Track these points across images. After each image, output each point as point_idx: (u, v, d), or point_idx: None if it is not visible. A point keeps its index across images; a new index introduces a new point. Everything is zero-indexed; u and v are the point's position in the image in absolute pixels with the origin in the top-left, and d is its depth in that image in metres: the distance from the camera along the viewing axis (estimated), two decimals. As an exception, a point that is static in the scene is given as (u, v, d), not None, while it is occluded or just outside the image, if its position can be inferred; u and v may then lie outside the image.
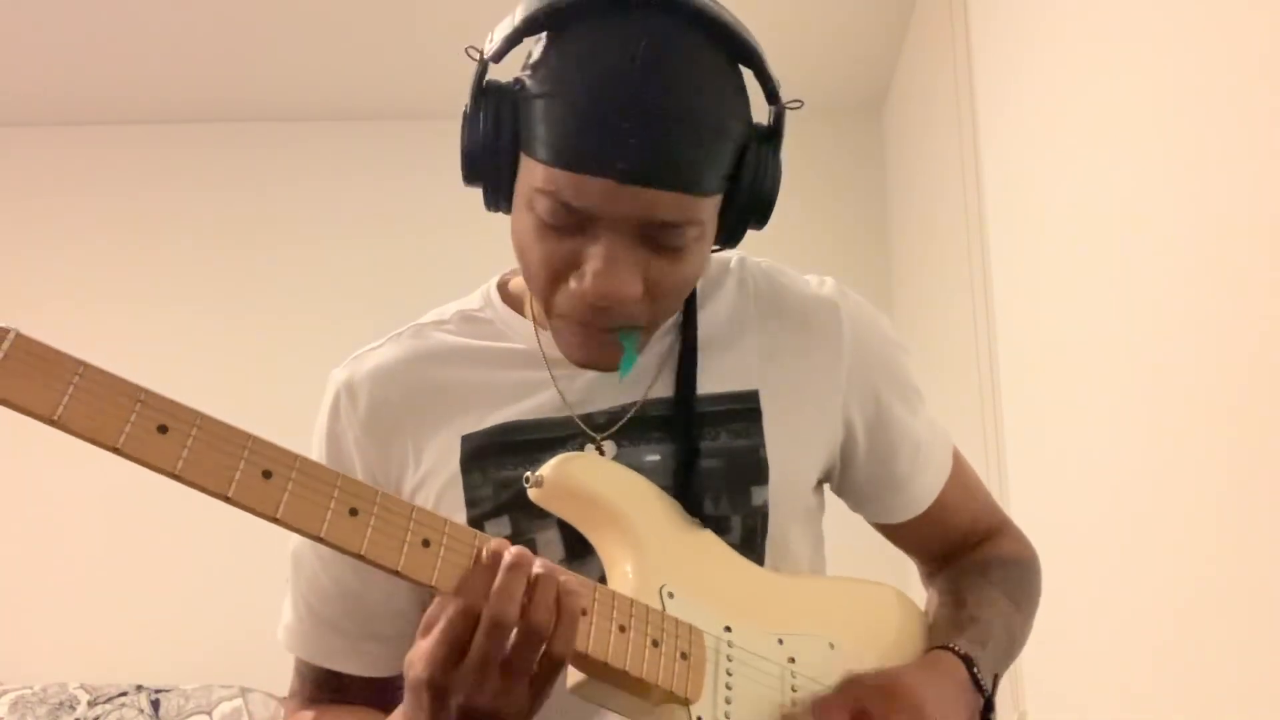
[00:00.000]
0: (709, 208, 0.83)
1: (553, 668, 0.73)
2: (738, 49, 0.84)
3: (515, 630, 0.70)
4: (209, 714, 2.95)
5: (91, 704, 2.98)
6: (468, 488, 0.90)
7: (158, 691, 3.00)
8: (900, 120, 3.34)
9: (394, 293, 3.13)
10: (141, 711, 2.96)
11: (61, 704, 2.98)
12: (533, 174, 0.81)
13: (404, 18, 3.09)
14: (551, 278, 0.84)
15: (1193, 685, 1.36)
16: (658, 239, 0.81)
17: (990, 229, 2.35)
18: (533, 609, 0.71)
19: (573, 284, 0.82)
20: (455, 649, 0.71)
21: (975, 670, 0.90)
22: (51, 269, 3.54)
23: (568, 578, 0.74)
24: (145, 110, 3.57)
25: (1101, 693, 1.69)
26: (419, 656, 0.72)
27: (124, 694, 3.00)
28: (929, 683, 0.86)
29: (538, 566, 0.72)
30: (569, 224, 0.81)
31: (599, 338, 0.85)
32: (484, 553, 0.72)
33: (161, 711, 2.96)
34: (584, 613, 0.76)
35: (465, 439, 0.91)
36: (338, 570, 0.93)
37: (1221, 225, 1.29)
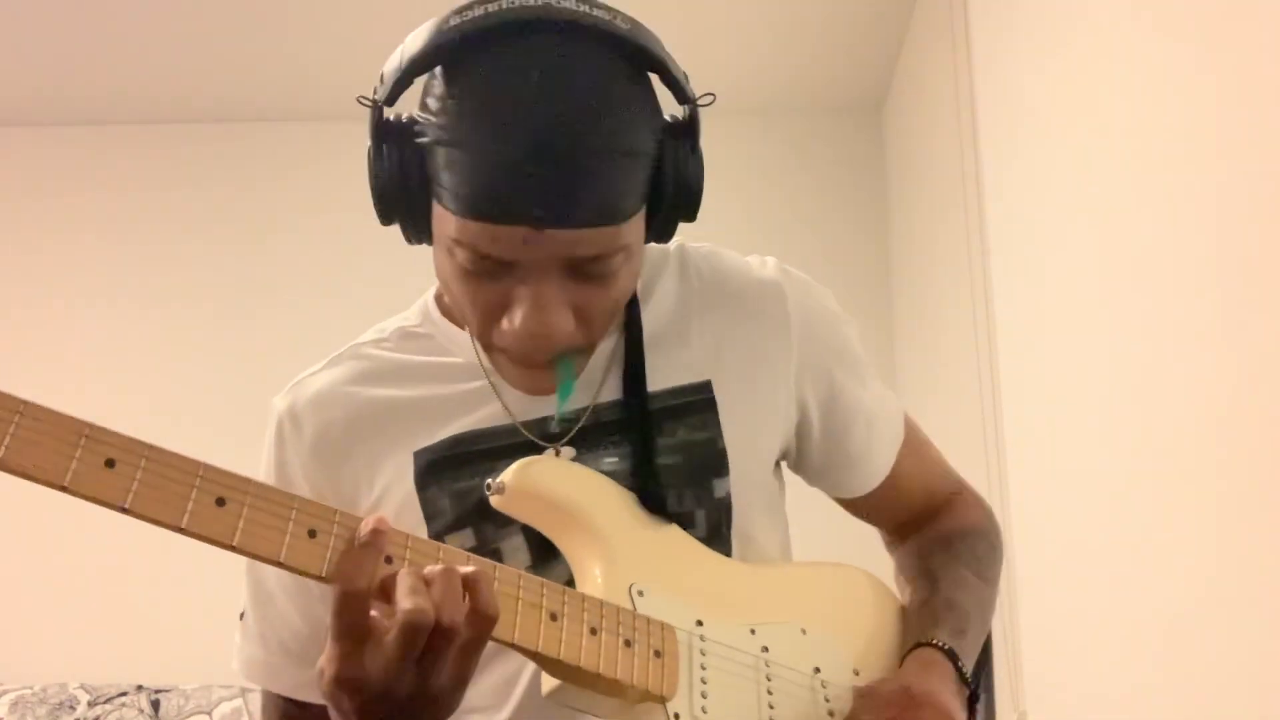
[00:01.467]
0: (633, 229, 0.82)
1: (477, 648, 0.71)
2: (638, 58, 0.81)
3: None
4: (209, 714, 2.95)
5: (91, 704, 2.98)
6: (425, 503, 0.89)
7: (158, 691, 3.00)
8: (900, 120, 3.34)
9: (394, 293, 3.12)
10: (141, 711, 2.96)
11: (61, 704, 2.98)
12: (446, 223, 0.79)
13: (404, 18, 3.08)
14: (484, 319, 0.83)
15: (1193, 685, 1.36)
16: (584, 271, 0.80)
17: (990, 228, 2.35)
18: (443, 608, 0.68)
19: (504, 324, 0.82)
20: (351, 636, 0.69)
21: (960, 665, 0.91)
22: (51, 269, 3.55)
23: (449, 557, 0.73)
24: (145, 110, 3.57)
25: (1101, 693, 1.69)
26: (324, 659, 0.70)
27: (124, 694, 3.00)
28: (934, 681, 0.88)
29: (435, 565, 0.71)
30: (492, 270, 0.79)
31: (539, 369, 0.85)
32: (359, 533, 0.70)
33: (161, 711, 2.96)
34: (554, 618, 0.76)
35: (417, 455, 0.90)
36: (304, 603, 0.93)
37: (1222, 224, 1.29)
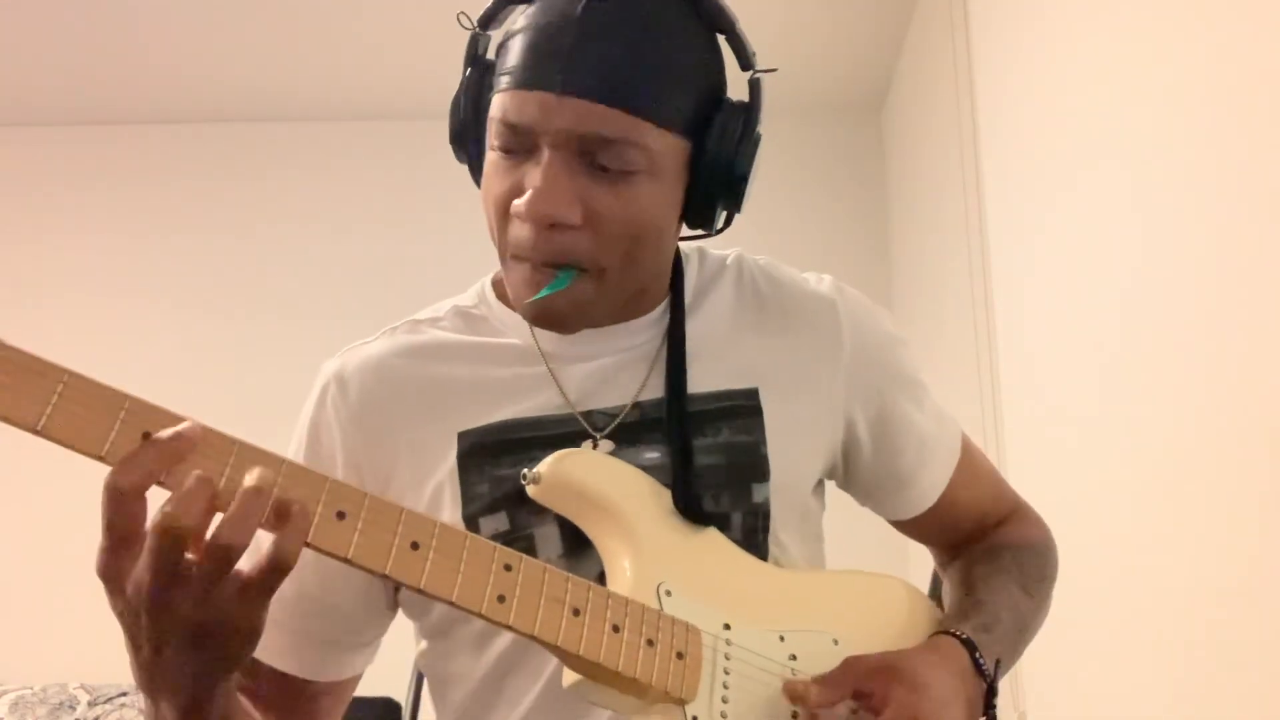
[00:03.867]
0: (657, 139, 0.83)
1: (271, 574, 0.65)
2: (711, 14, 0.86)
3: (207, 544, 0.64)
4: (209, 714, 2.95)
5: (91, 704, 2.98)
6: (464, 485, 0.88)
7: (158, 691, 3.00)
8: (900, 120, 3.34)
9: (394, 292, 3.13)
10: (141, 712, 2.96)
11: (61, 704, 2.98)
12: (492, 110, 0.85)
13: (404, 17, 3.09)
14: (501, 212, 0.85)
15: (1193, 685, 1.36)
16: (599, 159, 0.81)
17: (990, 228, 2.35)
18: (224, 526, 0.63)
19: (513, 206, 0.83)
20: (115, 533, 0.64)
21: (977, 655, 0.89)
22: (51, 269, 3.55)
23: (286, 483, 0.66)
24: (145, 110, 3.57)
25: (1101, 693, 1.69)
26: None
27: (124, 694, 3.00)
28: (930, 665, 0.86)
29: (251, 479, 0.65)
30: (517, 148, 0.83)
31: (542, 274, 0.84)
32: (163, 431, 0.65)
33: (161, 711, 2.96)
34: (576, 613, 0.75)
35: (462, 436, 0.90)
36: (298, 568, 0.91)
37: (1222, 223, 1.29)
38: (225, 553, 0.64)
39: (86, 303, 3.51)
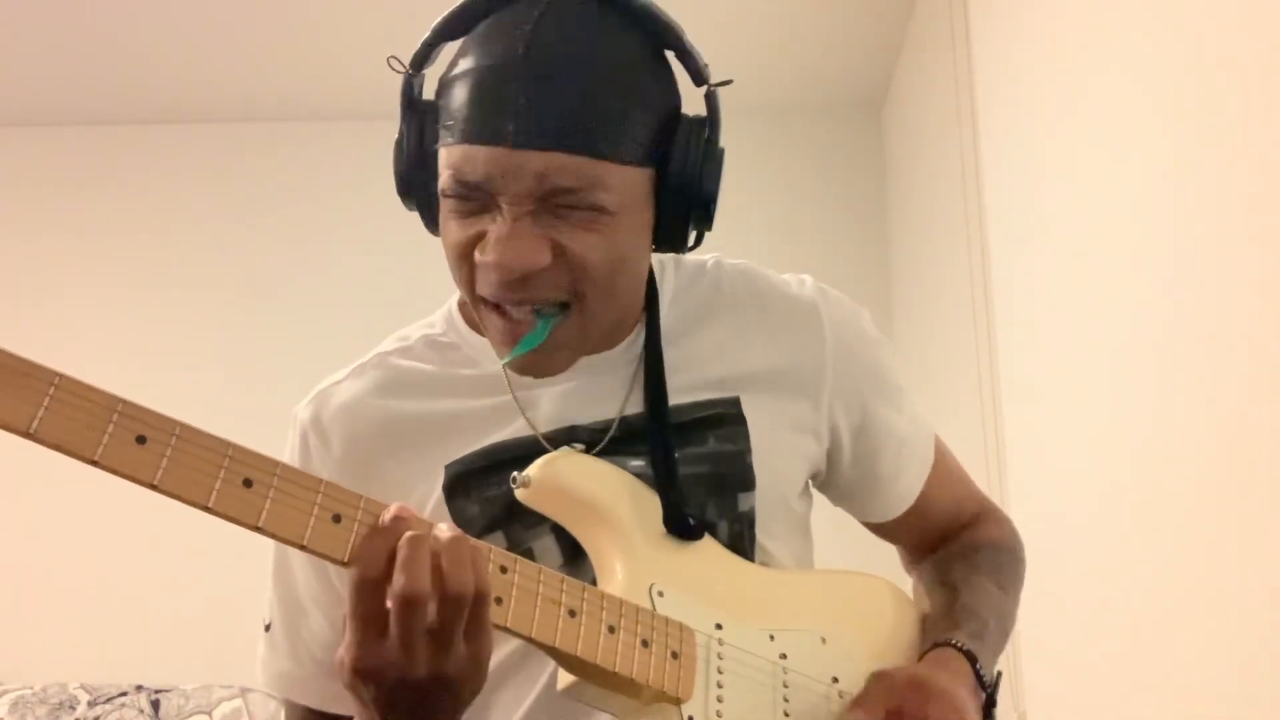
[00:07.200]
0: (620, 176, 0.79)
1: (483, 620, 0.70)
2: (653, 32, 0.83)
3: (434, 600, 0.68)
4: (209, 714, 2.95)
5: (91, 704, 2.98)
6: (454, 512, 0.88)
7: (158, 691, 3.00)
8: (900, 120, 3.34)
9: (395, 293, 3.13)
10: (141, 711, 2.96)
11: (61, 704, 2.98)
12: (441, 163, 0.81)
13: (405, 18, 3.09)
14: (463, 261, 0.82)
15: (1192, 685, 1.36)
16: (564, 209, 0.78)
17: (990, 228, 2.35)
18: (448, 578, 0.68)
19: (477, 257, 0.80)
20: (370, 623, 0.68)
21: (978, 667, 0.90)
22: (51, 269, 3.55)
23: (470, 542, 0.72)
24: (145, 110, 3.57)
25: (1101, 693, 1.69)
26: (343, 648, 0.70)
27: (124, 694, 3.00)
28: (949, 677, 0.87)
29: (444, 531, 0.70)
30: (474, 202, 0.80)
31: (518, 323, 0.82)
32: (382, 519, 0.70)
33: (161, 711, 2.97)
34: (572, 614, 0.76)
35: (448, 467, 0.89)
36: (337, 615, 0.90)
37: (1222, 224, 1.29)
38: (461, 600, 0.68)
39: (86, 303, 3.51)
